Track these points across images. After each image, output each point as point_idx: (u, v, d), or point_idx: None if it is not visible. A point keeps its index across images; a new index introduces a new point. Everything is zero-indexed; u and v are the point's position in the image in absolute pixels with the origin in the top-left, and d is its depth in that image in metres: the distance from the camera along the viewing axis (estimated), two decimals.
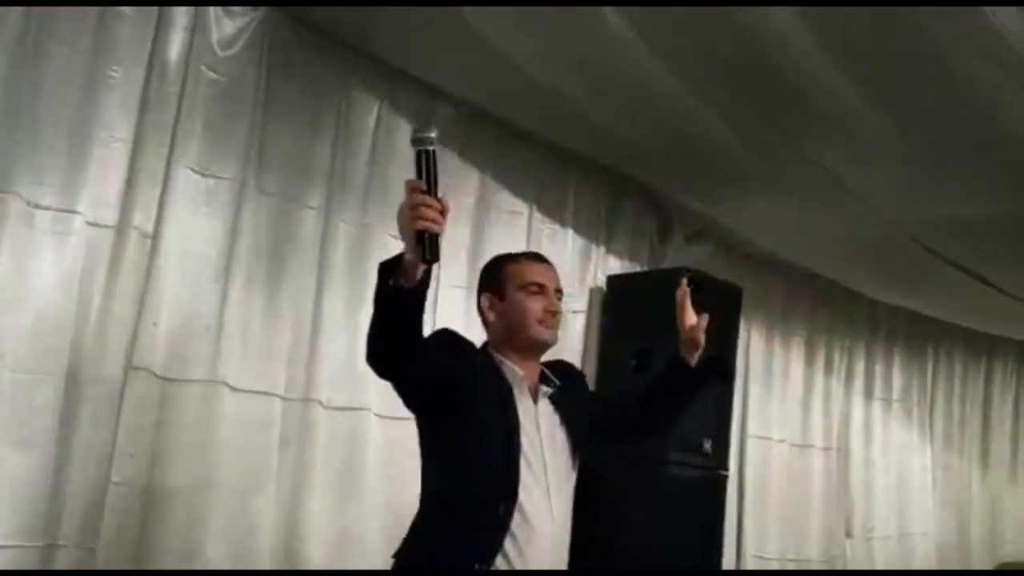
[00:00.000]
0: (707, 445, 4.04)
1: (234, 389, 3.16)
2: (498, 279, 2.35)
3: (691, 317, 2.37)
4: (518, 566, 2.10)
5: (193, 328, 3.12)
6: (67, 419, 2.84)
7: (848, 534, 5.47)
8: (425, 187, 1.86)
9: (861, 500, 5.59)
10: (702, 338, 2.36)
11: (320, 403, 3.36)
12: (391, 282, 1.86)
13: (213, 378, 3.12)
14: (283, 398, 3.29)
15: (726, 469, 4.24)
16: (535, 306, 2.29)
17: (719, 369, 2.53)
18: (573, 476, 2.30)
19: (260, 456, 3.22)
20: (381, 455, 3.48)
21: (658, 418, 2.51)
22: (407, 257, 1.84)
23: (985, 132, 3.20)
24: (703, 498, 4.07)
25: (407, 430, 3.44)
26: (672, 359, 2.38)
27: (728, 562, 4.50)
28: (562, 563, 2.22)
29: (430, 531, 2.20)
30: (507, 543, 2.10)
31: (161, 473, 3.00)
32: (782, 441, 5.14)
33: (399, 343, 1.98)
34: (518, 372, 2.27)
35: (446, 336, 2.25)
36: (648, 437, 2.88)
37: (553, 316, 2.31)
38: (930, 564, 5.90)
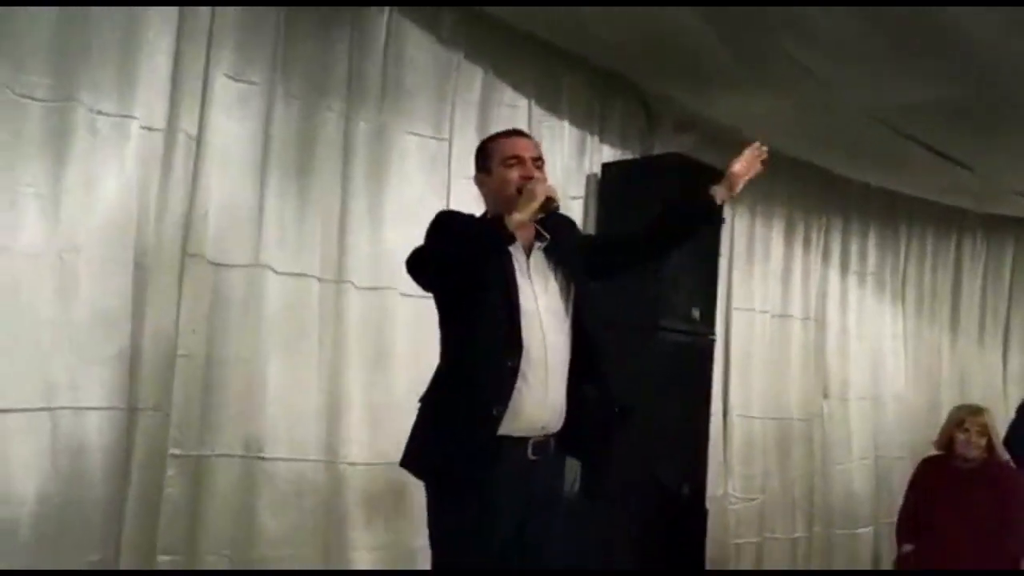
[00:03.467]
0: (696, 313, 4.43)
1: (276, 272, 3.56)
2: (484, 158, 2.70)
3: (743, 165, 2.74)
4: (526, 397, 2.46)
5: (237, 219, 3.49)
6: (137, 301, 3.25)
7: (825, 395, 5.90)
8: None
9: (837, 365, 5.98)
10: (741, 185, 2.76)
11: (352, 284, 3.75)
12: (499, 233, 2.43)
13: (257, 263, 3.52)
14: (319, 279, 3.68)
15: (713, 335, 4.66)
16: (513, 175, 2.60)
17: (718, 215, 2.83)
18: (568, 316, 2.61)
19: (302, 330, 3.63)
20: (407, 329, 3.86)
21: (659, 245, 2.87)
22: (522, 215, 2.45)
23: (940, 26, 3.53)
24: (692, 362, 4.49)
25: (429, 306, 3.93)
26: (698, 196, 2.75)
27: (715, 420, 4.95)
28: (561, 387, 2.55)
29: (451, 383, 2.55)
30: (518, 383, 2.46)
31: (219, 347, 3.42)
32: (764, 312, 5.53)
33: (463, 275, 2.48)
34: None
35: (445, 219, 2.63)
36: (638, 266, 3.16)
37: (528, 181, 2.58)
38: (901, 424, 6.34)
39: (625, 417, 3.71)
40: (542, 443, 2.54)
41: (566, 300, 2.63)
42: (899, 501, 5.96)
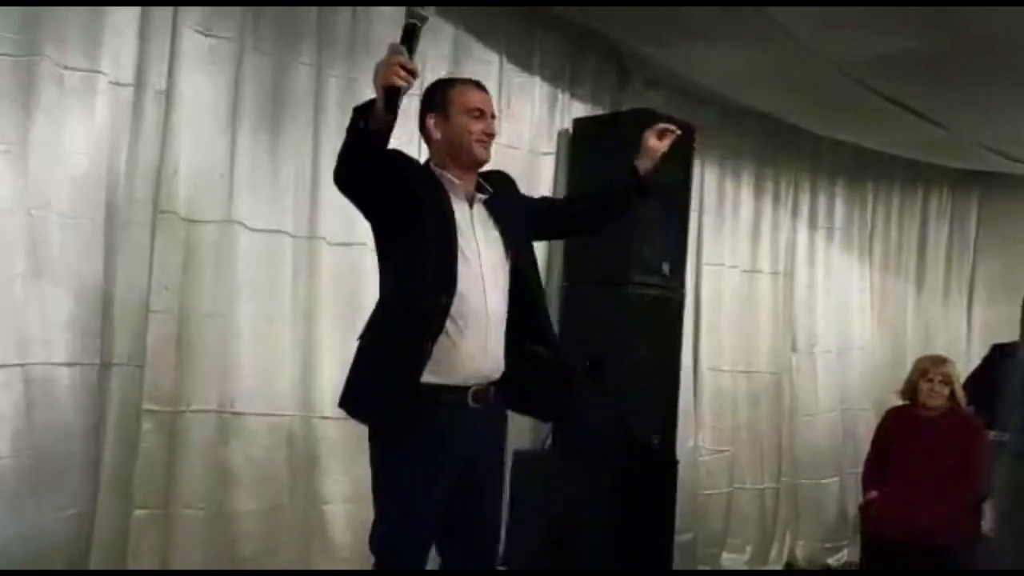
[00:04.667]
0: (665, 268, 4.46)
1: (248, 228, 3.56)
2: (442, 101, 2.64)
3: (655, 137, 2.87)
4: (460, 344, 2.50)
5: (209, 174, 3.49)
6: (109, 258, 3.26)
7: (793, 348, 5.97)
8: (406, 52, 2.29)
9: (805, 319, 6.04)
10: (658, 150, 2.85)
11: (324, 239, 3.77)
12: (361, 124, 2.30)
13: (229, 218, 3.52)
14: (292, 235, 3.69)
15: (683, 290, 4.70)
16: (476, 128, 2.61)
17: (649, 187, 2.94)
18: (507, 269, 2.65)
19: (275, 286, 3.65)
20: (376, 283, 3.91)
21: (592, 218, 3.00)
22: (376, 105, 2.28)
23: None
24: (663, 316, 4.53)
25: None
26: (630, 173, 2.86)
27: (686, 374, 5.02)
28: (500, 337, 2.60)
29: (385, 318, 2.58)
30: (448, 325, 2.49)
31: (192, 303, 3.43)
32: (733, 267, 5.55)
33: (360, 171, 2.42)
34: (455, 182, 2.62)
35: (398, 154, 2.59)
36: (576, 235, 3.45)
37: (490, 137, 2.64)
38: (867, 377, 6.44)
39: (595, 370, 3.79)
40: (482, 391, 2.58)
41: (506, 253, 2.66)
42: (864, 452, 6.12)
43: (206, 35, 3.49)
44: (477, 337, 2.54)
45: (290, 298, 3.69)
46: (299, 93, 3.75)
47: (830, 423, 6.14)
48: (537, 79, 4.62)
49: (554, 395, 2.72)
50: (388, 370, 2.49)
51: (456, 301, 2.50)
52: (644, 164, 2.88)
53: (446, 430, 2.51)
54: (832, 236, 6.31)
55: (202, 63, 3.48)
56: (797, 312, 6.02)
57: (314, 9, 3.79)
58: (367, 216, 2.62)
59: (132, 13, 3.31)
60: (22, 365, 3.01)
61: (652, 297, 4.42)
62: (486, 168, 2.72)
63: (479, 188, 2.68)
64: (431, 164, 2.69)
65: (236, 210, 3.54)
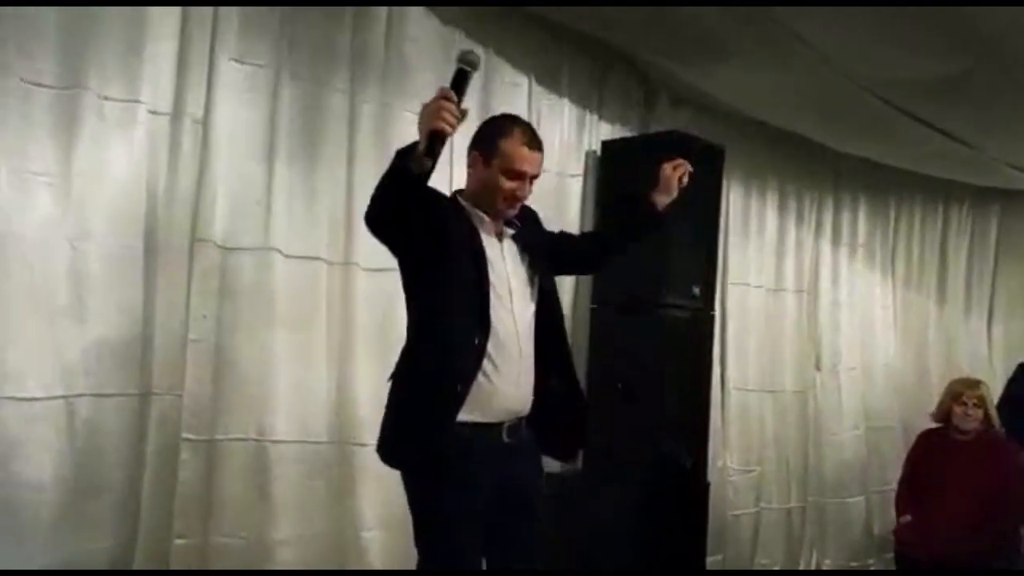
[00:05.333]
0: (696, 290, 4.47)
1: (284, 255, 3.56)
2: (491, 148, 2.59)
3: (671, 168, 2.88)
4: (496, 382, 2.49)
5: (245, 202, 3.49)
6: (148, 287, 3.26)
7: (817, 367, 5.96)
8: (455, 97, 2.26)
9: (829, 337, 6.03)
10: (675, 186, 2.86)
11: (358, 265, 3.76)
12: (405, 167, 2.27)
13: (266, 246, 3.52)
14: (327, 262, 3.69)
15: (713, 311, 4.70)
16: (508, 187, 2.58)
17: (664, 221, 2.95)
18: (534, 303, 2.65)
19: (311, 312, 3.64)
20: None
21: (603, 252, 3.02)
22: (419, 149, 2.24)
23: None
24: (693, 337, 4.52)
25: None
26: (642, 202, 2.88)
27: (713, 393, 5.00)
28: (530, 371, 2.59)
29: (418, 359, 2.54)
30: (484, 364, 2.48)
31: (229, 331, 3.43)
32: (759, 287, 5.56)
33: (394, 213, 2.37)
34: (484, 218, 2.61)
35: (428, 192, 2.49)
36: (592, 270, 3.44)
37: (519, 200, 2.62)
38: (891, 393, 6.43)
39: (628, 394, 3.80)
40: (515, 426, 2.58)
41: (532, 288, 2.67)
42: (889, 471, 6.11)
43: (242, 63, 3.49)
44: (510, 375, 2.53)
45: (325, 324, 3.68)
46: (333, 119, 3.75)
47: (855, 441, 6.12)
48: (566, 101, 4.62)
49: (570, 434, 2.73)
50: (422, 415, 2.47)
51: (491, 340, 2.49)
52: (661, 200, 2.89)
53: (483, 468, 2.50)
54: (855, 253, 6.31)
55: (238, 91, 3.49)
56: (821, 330, 6.01)
57: (347, 35, 3.79)
58: (396, 253, 2.58)
59: (171, 43, 3.32)
60: (66, 397, 3.00)
61: (683, 319, 4.42)
62: None
63: (507, 222, 2.67)
64: (460, 196, 2.68)
65: (272, 237, 3.53)
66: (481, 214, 2.63)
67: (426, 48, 4.03)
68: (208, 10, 3.39)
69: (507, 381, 2.53)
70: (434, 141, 2.25)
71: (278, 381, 3.51)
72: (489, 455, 2.51)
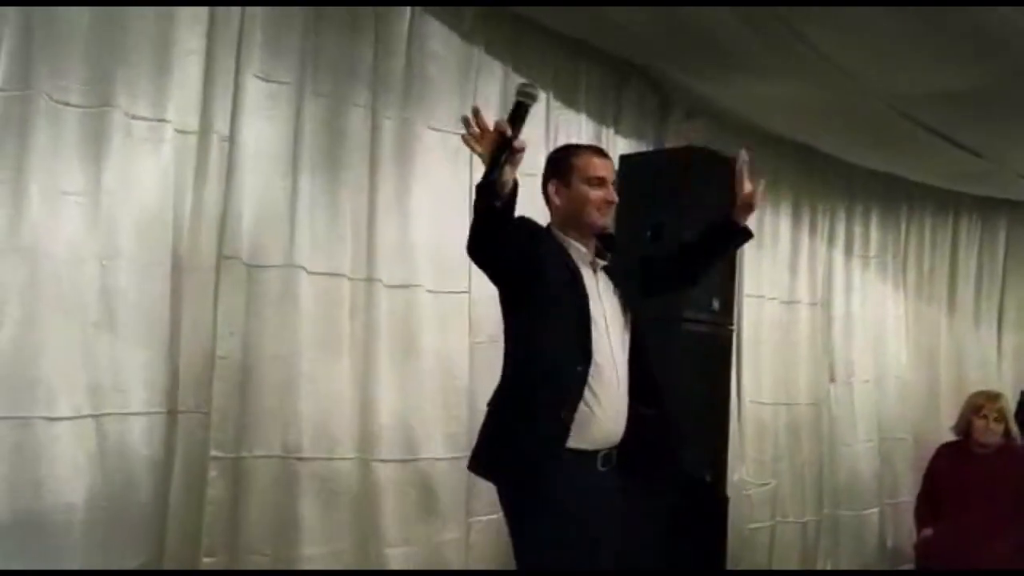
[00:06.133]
0: (715, 304, 4.46)
1: (309, 272, 3.56)
2: (564, 169, 2.69)
3: (747, 185, 2.84)
4: (596, 411, 2.53)
5: (270, 219, 3.50)
6: (175, 305, 3.26)
7: (831, 379, 5.96)
8: (508, 128, 2.31)
9: (842, 349, 6.04)
10: (757, 201, 2.85)
11: (381, 281, 3.76)
12: (485, 200, 2.31)
13: (291, 263, 3.52)
14: (349, 278, 3.68)
15: (732, 325, 4.70)
16: (596, 196, 2.65)
17: (744, 235, 2.97)
18: (628, 332, 2.70)
19: (334, 329, 3.64)
20: (432, 325, 3.91)
21: (695, 270, 3.02)
22: (487, 171, 2.29)
23: (959, 11, 3.55)
24: (713, 352, 4.51)
25: (454, 302, 3.96)
26: (723, 220, 2.87)
27: (731, 407, 5.00)
28: (625, 401, 2.63)
29: (520, 388, 2.58)
30: (586, 393, 2.52)
31: (255, 348, 3.43)
32: (773, 299, 5.57)
33: (489, 242, 2.43)
34: (582, 250, 2.67)
35: (525, 223, 2.59)
36: (684, 287, 3.29)
37: (609, 205, 2.68)
38: (903, 404, 6.43)
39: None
40: (608, 455, 2.60)
41: (626, 318, 2.70)
42: (901, 482, 6.11)
43: (267, 81, 3.50)
44: (610, 404, 2.57)
45: (348, 340, 3.68)
46: (355, 136, 3.76)
47: (868, 453, 6.13)
48: (583, 116, 4.63)
49: (659, 463, 2.74)
50: (526, 438, 2.50)
51: (592, 370, 2.52)
52: (742, 217, 2.88)
53: (580, 496, 2.49)
54: (867, 264, 6.32)
55: (263, 109, 3.50)
56: (835, 342, 6.02)
57: (369, 51, 3.80)
58: (496, 282, 2.62)
59: (197, 60, 3.33)
60: (95, 416, 3.00)
61: (702, 333, 4.40)
62: None
63: (599, 253, 2.70)
64: (552, 228, 2.71)
65: (297, 254, 3.54)
66: (577, 244, 2.67)
67: (446, 64, 4.04)
68: (233, 29, 3.40)
69: (606, 410, 2.56)
70: (496, 157, 2.28)
71: (303, 398, 3.51)
72: (587, 483, 2.53)
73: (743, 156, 2.86)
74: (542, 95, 4.43)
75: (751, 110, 5.11)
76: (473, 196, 2.40)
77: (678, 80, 4.89)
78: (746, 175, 2.85)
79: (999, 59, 3.89)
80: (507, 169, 2.30)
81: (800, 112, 4.92)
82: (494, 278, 2.61)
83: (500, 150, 2.29)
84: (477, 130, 2.39)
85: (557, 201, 2.70)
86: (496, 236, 2.41)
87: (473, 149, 2.40)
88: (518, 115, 2.35)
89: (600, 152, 2.76)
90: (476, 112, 2.43)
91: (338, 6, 3.70)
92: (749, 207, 2.86)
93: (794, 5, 3.60)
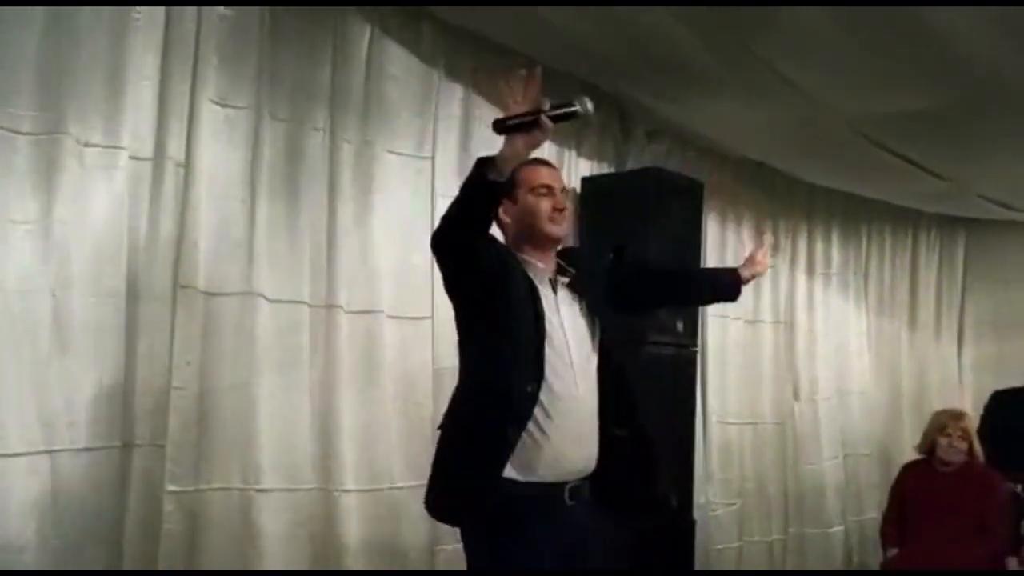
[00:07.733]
0: (679, 326, 4.48)
1: (268, 299, 3.49)
2: (510, 184, 2.44)
3: (765, 258, 3.01)
4: (550, 433, 2.39)
5: (227, 246, 3.43)
6: (130, 336, 3.18)
7: (796, 397, 5.99)
8: (546, 108, 2.33)
9: (806, 366, 6.08)
10: (766, 265, 3.04)
11: (341, 308, 3.70)
12: (487, 175, 2.21)
13: (249, 290, 3.44)
14: (309, 305, 3.62)
15: (695, 346, 4.70)
16: (545, 205, 2.53)
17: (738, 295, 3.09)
18: (595, 353, 2.56)
19: (294, 357, 3.57)
20: (393, 350, 3.86)
21: (685, 299, 3.48)
22: (506, 153, 2.23)
23: (920, 33, 3.58)
24: (677, 373, 4.52)
25: (416, 328, 3.90)
26: (733, 276, 2.98)
27: (696, 428, 4.99)
28: (594, 427, 2.50)
29: (468, 404, 2.50)
30: (537, 413, 2.38)
31: (213, 377, 3.35)
32: (737, 319, 5.57)
33: (474, 226, 2.31)
34: (539, 266, 2.54)
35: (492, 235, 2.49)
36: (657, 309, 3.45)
37: (560, 213, 2.56)
38: (866, 420, 6.47)
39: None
40: (579, 488, 2.48)
41: (593, 335, 2.58)
42: (866, 499, 6.13)
43: (223, 106, 3.43)
44: (568, 427, 2.44)
45: (307, 368, 3.62)
46: (313, 159, 3.70)
47: (833, 470, 6.15)
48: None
49: (635, 487, 2.64)
50: (470, 463, 2.41)
51: (544, 392, 2.41)
52: (747, 275, 2.98)
53: (544, 532, 2.39)
54: (829, 281, 6.37)
55: (219, 133, 3.43)
56: (798, 360, 6.04)
57: (327, 73, 3.75)
58: (455, 289, 2.50)
59: (151, 86, 3.26)
60: (49, 452, 2.92)
61: (667, 356, 4.41)
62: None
63: (560, 270, 2.60)
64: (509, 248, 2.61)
65: (255, 281, 3.47)
66: (534, 261, 2.56)
67: (406, 87, 4.01)
68: (188, 53, 3.33)
69: (566, 438, 2.43)
70: (518, 123, 2.26)
71: (261, 428, 3.44)
72: (551, 518, 2.42)
73: (769, 238, 3.31)
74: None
75: (713, 131, 5.13)
76: (463, 193, 2.30)
77: (640, 101, 4.89)
78: (768, 251, 3.06)
79: (960, 80, 3.92)
80: (519, 143, 2.25)
81: (761, 133, 4.94)
82: (457, 279, 2.47)
83: (527, 116, 2.25)
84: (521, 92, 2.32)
85: (507, 219, 2.58)
86: (484, 215, 2.30)
87: (505, 100, 2.33)
88: (562, 110, 2.36)
89: (544, 162, 2.67)
90: (534, 74, 2.36)
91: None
92: (756, 266, 3.01)
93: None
